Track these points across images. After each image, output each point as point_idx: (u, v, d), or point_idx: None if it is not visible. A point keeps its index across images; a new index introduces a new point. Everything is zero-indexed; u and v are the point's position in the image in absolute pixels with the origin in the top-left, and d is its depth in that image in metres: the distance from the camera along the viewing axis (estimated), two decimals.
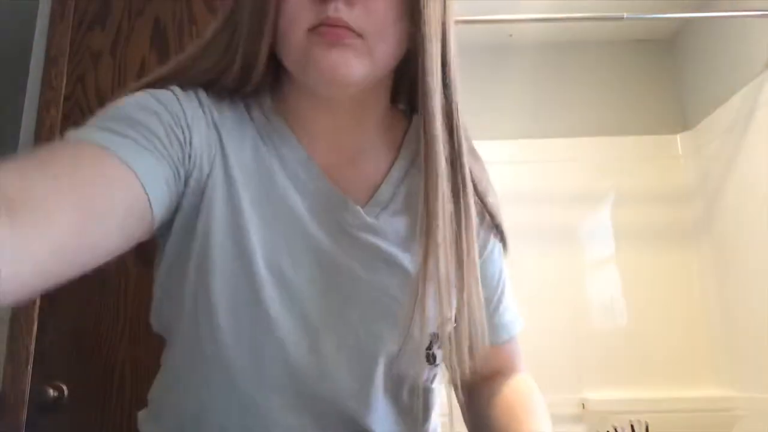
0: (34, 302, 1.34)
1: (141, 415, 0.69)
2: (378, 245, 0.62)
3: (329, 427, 0.62)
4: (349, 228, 0.62)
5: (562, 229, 2.32)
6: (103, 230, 0.48)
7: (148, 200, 0.52)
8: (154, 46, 1.49)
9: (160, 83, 0.62)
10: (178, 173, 0.57)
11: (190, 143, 0.59)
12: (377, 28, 0.57)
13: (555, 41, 2.47)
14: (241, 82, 0.63)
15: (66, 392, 1.30)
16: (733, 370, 2.09)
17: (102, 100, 1.46)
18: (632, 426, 0.45)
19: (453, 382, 0.62)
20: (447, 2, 0.63)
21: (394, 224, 0.64)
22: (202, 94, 0.63)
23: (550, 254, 2.25)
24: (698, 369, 2.17)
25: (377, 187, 0.65)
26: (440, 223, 0.58)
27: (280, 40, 0.60)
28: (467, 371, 0.62)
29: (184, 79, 0.62)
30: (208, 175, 0.60)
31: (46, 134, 1.43)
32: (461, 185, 0.62)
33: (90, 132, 0.52)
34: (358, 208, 0.63)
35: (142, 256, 1.27)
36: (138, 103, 0.57)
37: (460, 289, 0.60)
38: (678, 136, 2.42)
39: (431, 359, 0.64)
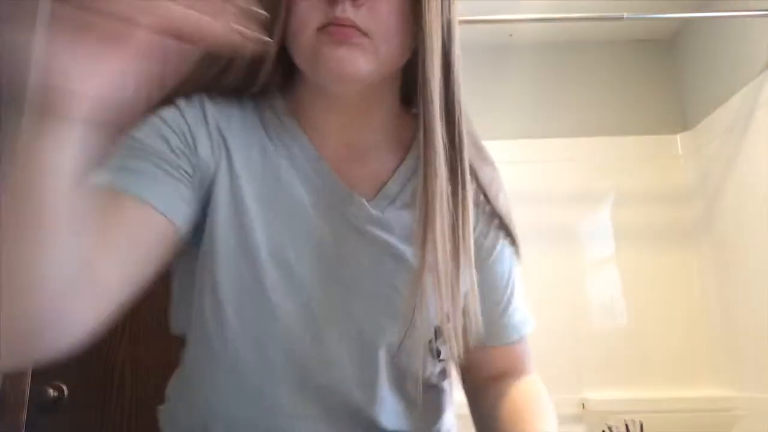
0: None
1: (160, 410, 0.72)
2: (383, 238, 0.65)
3: (338, 419, 0.64)
4: (355, 221, 0.65)
5: (561, 229, 2.32)
6: (142, 269, 0.56)
7: (172, 223, 0.58)
8: None
9: (175, 91, 0.65)
10: (192, 185, 0.62)
11: (197, 153, 0.63)
12: (382, 28, 0.61)
13: (555, 41, 2.47)
14: (247, 82, 0.66)
15: (66, 392, 1.30)
16: (733, 370, 2.09)
17: None
18: (627, 426, 0.45)
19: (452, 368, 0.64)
20: (451, 4, 0.65)
21: (401, 218, 0.66)
22: (207, 102, 0.66)
23: (550, 254, 2.25)
24: (698, 369, 2.17)
25: (384, 184, 0.68)
26: (438, 216, 0.60)
27: (290, 40, 0.63)
28: (459, 360, 0.64)
29: (194, 84, 0.65)
30: (214, 177, 0.63)
31: None
32: (461, 184, 0.64)
33: (108, 175, 0.57)
34: (364, 201, 0.65)
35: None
36: (148, 130, 0.62)
37: (456, 281, 0.61)
38: (678, 136, 2.42)
39: (435, 353, 0.66)
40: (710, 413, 2.04)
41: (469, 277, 0.64)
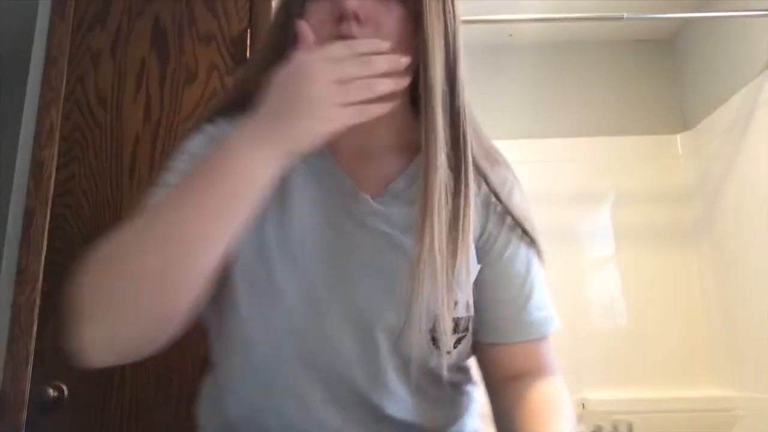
0: (34, 302, 1.35)
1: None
2: (383, 230, 0.69)
3: (346, 405, 0.67)
4: (358, 215, 0.70)
5: (561, 229, 2.32)
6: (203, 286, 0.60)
7: None
8: (154, 47, 1.49)
9: (218, 111, 0.74)
10: None
11: None
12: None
13: (555, 41, 2.48)
14: None
15: (66, 392, 1.30)
16: (733, 370, 2.09)
17: (102, 100, 1.46)
18: (615, 427, 0.45)
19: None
20: (454, 13, 0.69)
21: (403, 213, 0.69)
22: (235, 122, 0.69)
23: (550, 254, 2.23)
24: (698, 369, 2.17)
25: (391, 183, 0.72)
26: (436, 210, 0.63)
27: None
28: (448, 348, 0.68)
29: (234, 104, 0.71)
30: None
31: (46, 134, 1.43)
32: (463, 182, 0.67)
33: (159, 196, 0.67)
34: (368, 197, 0.70)
35: None
36: (186, 154, 0.71)
37: (451, 272, 0.64)
38: (678, 136, 2.42)
39: (436, 342, 0.67)
40: (710, 413, 2.04)
41: (465, 271, 0.66)
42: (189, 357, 1.28)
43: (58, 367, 1.32)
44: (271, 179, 0.58)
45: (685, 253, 2.29)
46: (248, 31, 1.48)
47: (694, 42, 2.39)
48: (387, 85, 0.58)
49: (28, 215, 1.39)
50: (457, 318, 0.68)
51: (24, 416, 1.28)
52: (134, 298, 0.55)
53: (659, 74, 2.51)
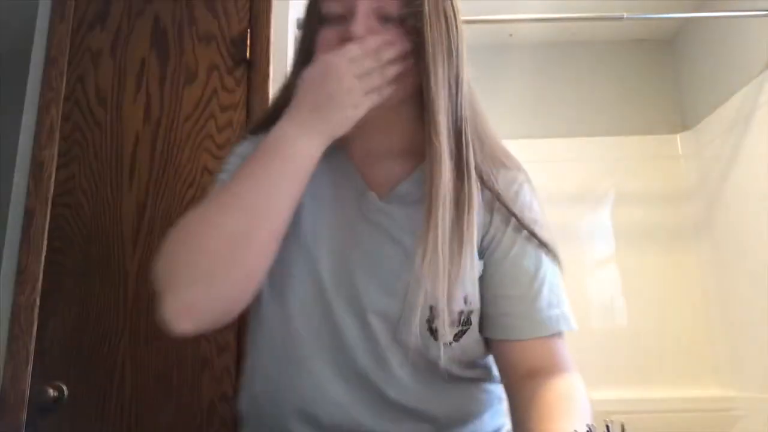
0: (34, 302, 1.35)
1: None
2: (385, 225, 0.75)
3: (354, 385, 0.73)
4: (366, 212, 0.77)
5: (562, 229, 2.32)
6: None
7: None
8: (154, 46, 1.49)
9: (262, 124, 0.81)
10: None
11: None
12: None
13: (555, 41, 2.48)
14: None
15: (66, 392, 1.30)
16: (733, 370, 2.09)
17: (102, 100, 1.46)
18: (607, 426, 0.45)
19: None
20: (458, 32, 0.77)
21: (406, 211, 0.75)
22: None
23: None
24: (698, 369, 2.17)
25: (398, 184, 0.78)
26: (440, 208, 0.68)
27: None
28: (447, 340, 0.72)
29: (270, 118, 0.77)
30: None
31: (46, 134, 1.44)
32: (467, 184, 0.71)
33: (219, 189, 0.75)
34: (375, 196, 0.77)
35: None
36: (236, 156, 0.82)
37: (452, 267, 0.68)
38: (678, 136, 2.42)
39: (434, 333, 0.72)
40: (710, 413, 2.04)
41: (466, 268, 0.70)
42: (189, 357, 1.28)
43: (58, 367, 1.32)
44: (317, 159, 0.69)
45: (685, 253, 2.29)
46: (248, 31, 1.48)
47: (694, 42, 2.39)
48: (394, 70, 0.71)
49: (28, 215, 1.39)
50: (456, 310, 0.72)
51: (24, 416, 1.29)
52: (221, 260, 0.64)
53: (659, 74, 2.50)
